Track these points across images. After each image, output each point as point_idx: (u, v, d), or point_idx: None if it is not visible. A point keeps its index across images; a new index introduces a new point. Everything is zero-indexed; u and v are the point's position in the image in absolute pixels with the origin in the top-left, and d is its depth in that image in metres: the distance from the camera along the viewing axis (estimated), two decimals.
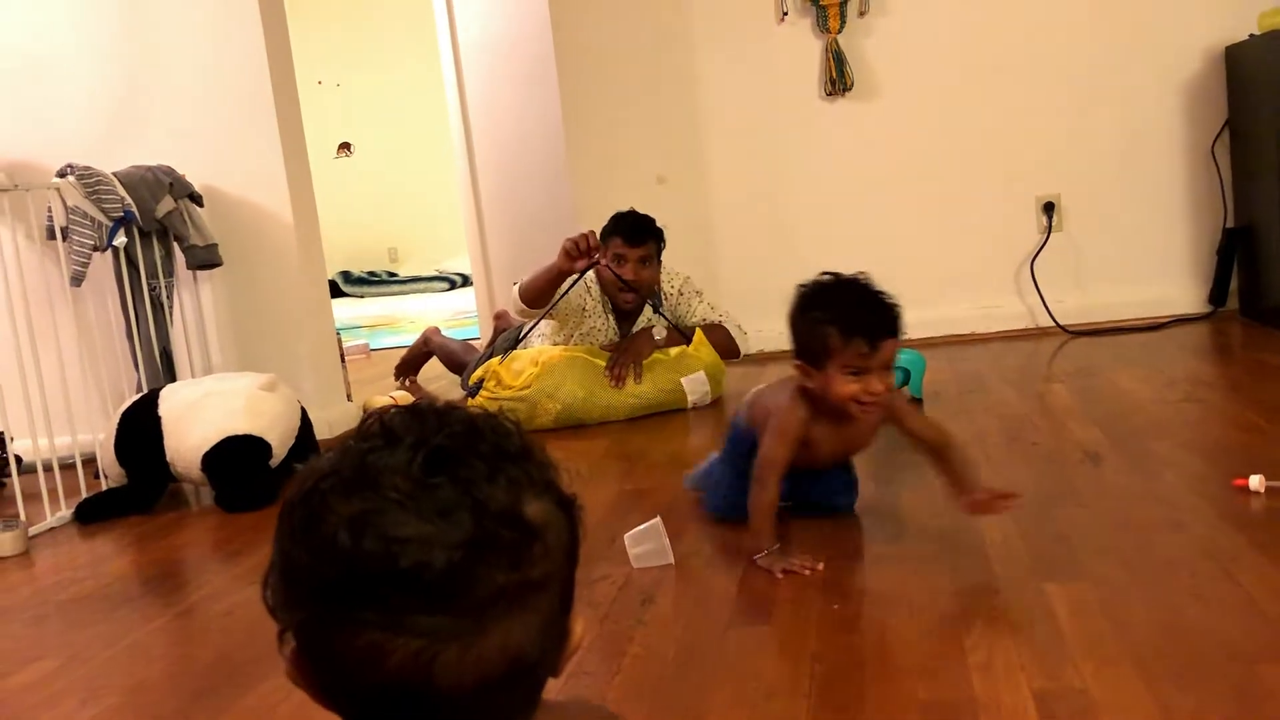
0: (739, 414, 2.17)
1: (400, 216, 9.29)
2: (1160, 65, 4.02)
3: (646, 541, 1.95)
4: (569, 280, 3.29)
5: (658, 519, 1.97)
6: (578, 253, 3.15)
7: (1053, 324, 4.09)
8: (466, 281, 8.31)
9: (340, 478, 0.61)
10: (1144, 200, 4.08)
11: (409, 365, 4.49)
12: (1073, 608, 1.58)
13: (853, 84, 4.16)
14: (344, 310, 6.96)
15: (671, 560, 1.94)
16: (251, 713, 1.53)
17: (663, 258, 3.47)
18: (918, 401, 3.09)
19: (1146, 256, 4.11)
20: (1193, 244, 4.09)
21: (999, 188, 4.16)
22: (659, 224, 3.42)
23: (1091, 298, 4.14)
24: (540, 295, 3.33)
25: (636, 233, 3.35)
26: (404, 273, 9.18)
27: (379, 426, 0.63)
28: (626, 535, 1.97)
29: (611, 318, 3.47)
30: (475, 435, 0.62)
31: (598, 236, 3.24)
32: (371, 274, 9.08)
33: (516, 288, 3.41)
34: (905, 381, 3.10)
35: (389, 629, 0.58)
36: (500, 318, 4.26)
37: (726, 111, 4.27)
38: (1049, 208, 4.13)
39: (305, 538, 0.61)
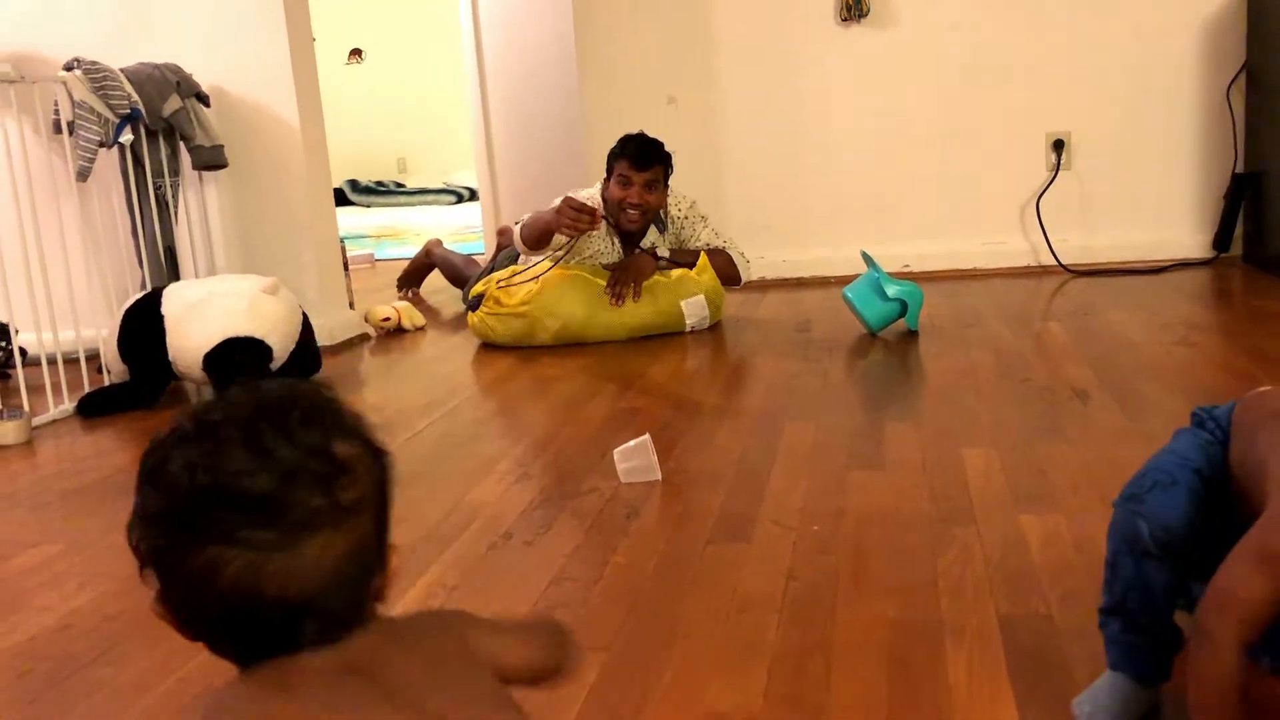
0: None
1: (410, 127, 9.21)
2: (1180, 3, 3.96)
3: (635, 458, 1.99)
4: (566, 239, 3.27)
5: (647, 436, 2.00)
6: (571, 221, 3.12)
7: (1055, 263, 4.09)
8: (474, 195, 8.28)
9: (183, 432, 0.72)
10: (1154, 141, 4.06)
11: (411, 277, 4.51)
12: (1045, 539, 1.62)
13: (869, 10, 4.11)
14: (350, 219, 6.95)
15: (659, 477, 1.98)
16: None
17: (670, 181, 3.46)
18: (913, 334, 3.12)
19: (1153, 199, 4.10)
20: (1200, 188, 4.07)
21: (1009, 123, 4.13)
22: (668, 148, 3.39)
23: (1095, 238, 4.13)
24: (537, 242, 3.32)
25: (644, 157, 3.33)
26: (412, 184, 9.13)
27: (218, 399, 0.76)
28: (616, 451, 2.01)
29: (616, 239, 3.47)
30: (295, 396, 0.75)
31: (602, 210, 3.21)
32: (379, 184, 9.04)
33: (518, 228, 3.40)
34: (903, 313, 3.12)
35: (223, 543, 0.69)
36: (503, 234, 4.26)
37: (740, 34, 4.23)
38: (1059, 145, 4.10)
39: (154, 481, 0.71)
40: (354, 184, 8.88)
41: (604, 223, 3.45)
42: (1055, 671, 1.25)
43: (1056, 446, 2.04)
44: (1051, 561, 1.54)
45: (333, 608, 0.73)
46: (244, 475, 0.69)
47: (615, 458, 2.01)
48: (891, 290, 3.09)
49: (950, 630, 1.36)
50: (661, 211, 3.49)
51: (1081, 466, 1.93)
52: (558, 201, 3.20)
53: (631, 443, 2.01)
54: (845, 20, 4.13)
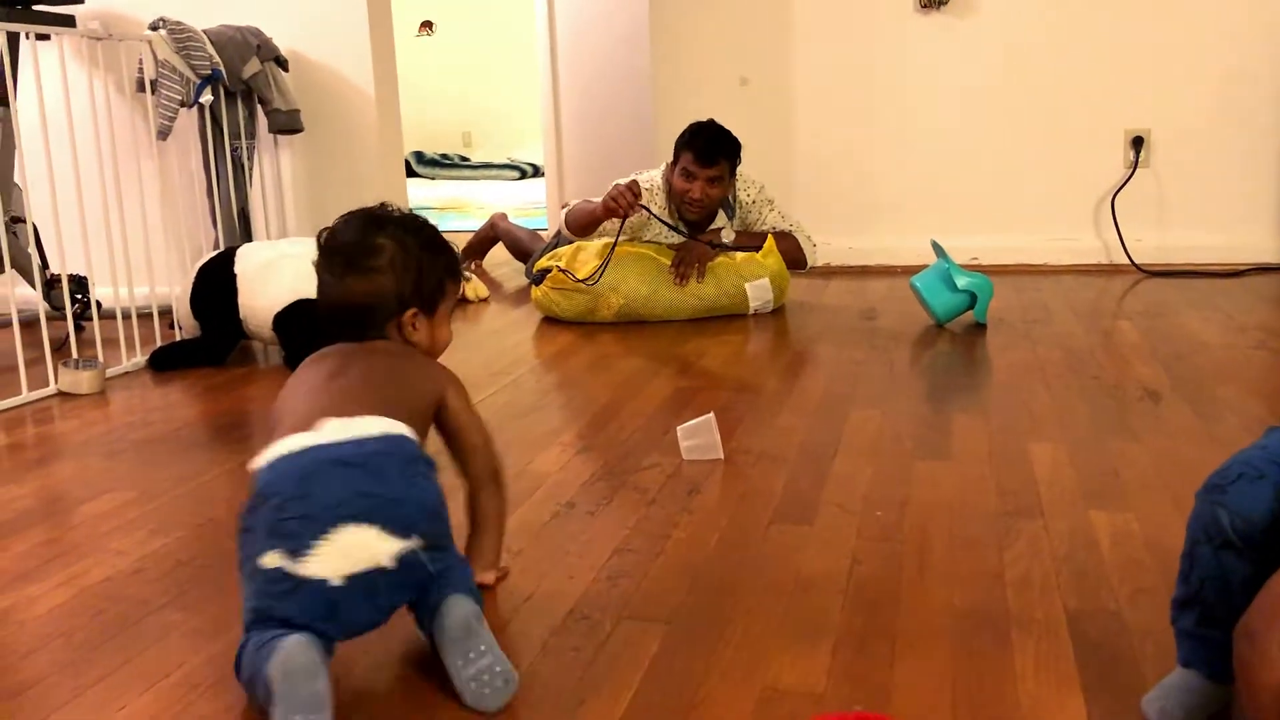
0: None
1: (476, 101, 9.25)
2: (1271, 3, 3.85)
3: (698, 435, 1.99)
4: (612, 222, 3.26)
5: (710, 415, 2.00)
6: (616, 207, 3.12)
7: (1127, 262, 4.02)
8: (538, 172, 8.30)
9: (341, 219, 1.48)
10: (1236, 142, 3.96)
11: (475, 249, 4.53)
12: (1115, 537, 1.59)
13: None
14: (415, 190, 7.00)
15: (721, 455, 1.98)
16: None
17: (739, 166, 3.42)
18: (981, 326, 3.08)
19: (1232, 200, 4.00)
20: None
21: (1088, 117, 4.05)
22: (738, 131, 3.35)
23: (1170, 238, 4.05)
24: (583, 229, 3.32)
25: (708, 153, 3.28)
26: (476, 158, 9.17)
27: (361, 209, 1.49)
28: (679, 428, 2.01)
29: (680, 225, 3.45)
30: (384, 212, 1.48)
31: (638, 185, 3.18)
32: (444, 156, 9.09)
33: (564, 212, 3.40)
34: (972, 305, 3.08)
35: (323, 273, 1.45)
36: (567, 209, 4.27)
37: (816, 16, 4.19)
38: (1138, 142, 4.02)
39: (318, 240, 1.47)
40: (419, 155, 8.94)
41: (665, 211, 3.41)
42: (1124, 667, 1.23)
43: (1127, 445, 2.01)
44: (1121, 559, 1.51)
45: (356, 318, 1.43)
46: (330, 246, 1.45)
47: (679, 434, 2.01)
48: (961, 282, 3.06)
49: (1016, 622, 1.34)
50: (730, 196, 3.47)
51: (1152, 466, 1.89)
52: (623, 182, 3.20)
53: (695, 420, 2.00)
54: (925, 6, 4.07)
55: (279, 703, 1.08)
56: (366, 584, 1.18)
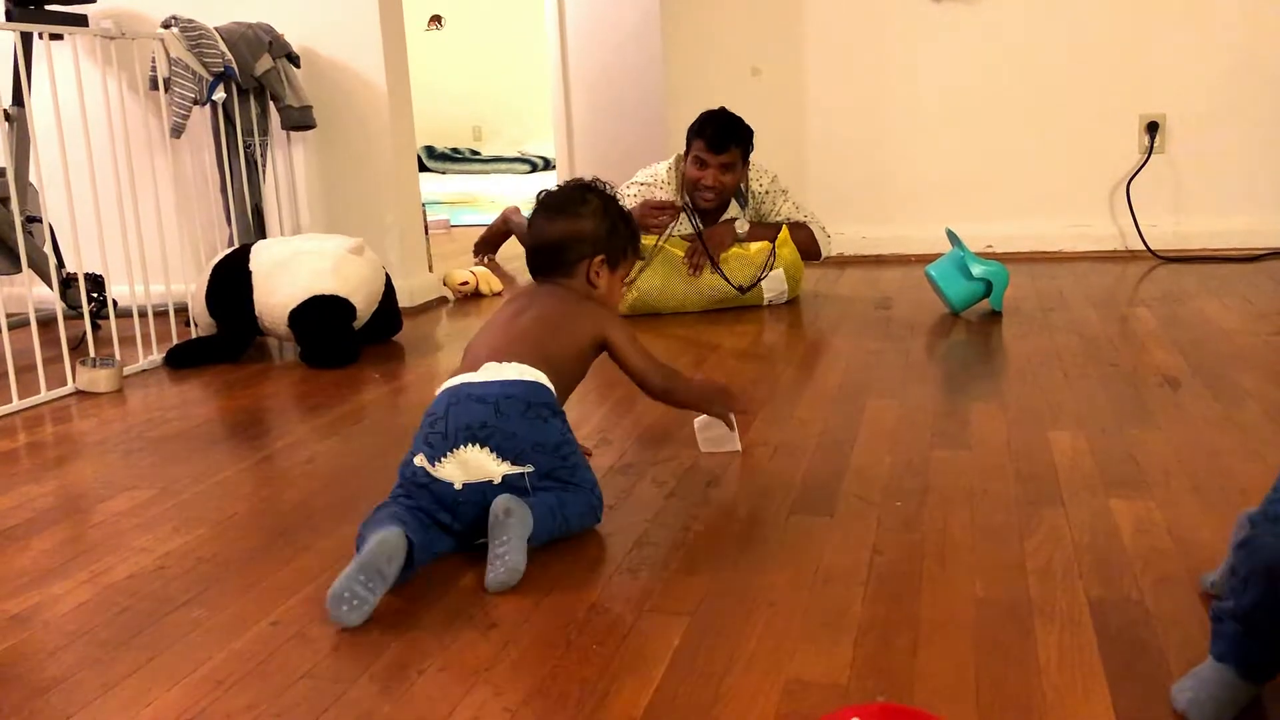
0: None
1: (486, 95, 9.25)
2: None
3: (715, 427, 1.98)
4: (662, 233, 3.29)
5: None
6: (654, 222, 3.20)
7: (1143, 248, 4.00)
8: (549, 165, 8.30)
9: (558, 184, 1.90)
10: (1251, 126, 3.93)
11: (488, 243, 4.53)
12: (1137, 524, 1.59)
13: None
14: (426, 185, 6.97)
15: (739, 448, 1.98)
16: (330, 554, 1.61)
17: (751, 156, 3.42)
18: (996, 315, 3.07)
19: (1248, 185, 3.97)
20: None
21: (1102, 103, 4.03)
22: (750, 121, 3.35)
23: (1187, 224, 4.03)
24: None
25: (721, 140, 3.28)
26: (487, 152, 9.18)
27: (577, 179, 1.90)
28: (696, 420, 2.01)
29: (694, 215, 3.45)
30: (591, 184, 1.86)
31: (676, 207, 3.24)
32: (455, 150, 9.10)
33: None
34: (987, 293, 3.07)
35: (537, 217, 1.84)
36: None
37: (828, 5, 4.17)
38: (1153, 127, 3.99)
39: (539, 197, 1.87)
40: (430, 150, 8.95)
41: (680, 200, 3.43)
42: (1149, 656, 1.22)
43: (1147, 432, 2.00)
44: (1144, 547, 1.51)
45: (551, 257, 1.81)
46: (547, 197, 1.85)
47: (696, 426, 2.01)
48: (977, 270, 3.04)
49: (1039, 611, 1.34)
50: (742, 185, 3.46)
51: (1174, 453, 1.88)
52: (628, 193, 3.23)
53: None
54: None
55: (358, 560, 1.38)
56: (479, 493, 1.53)
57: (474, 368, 1.63)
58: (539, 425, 1.57)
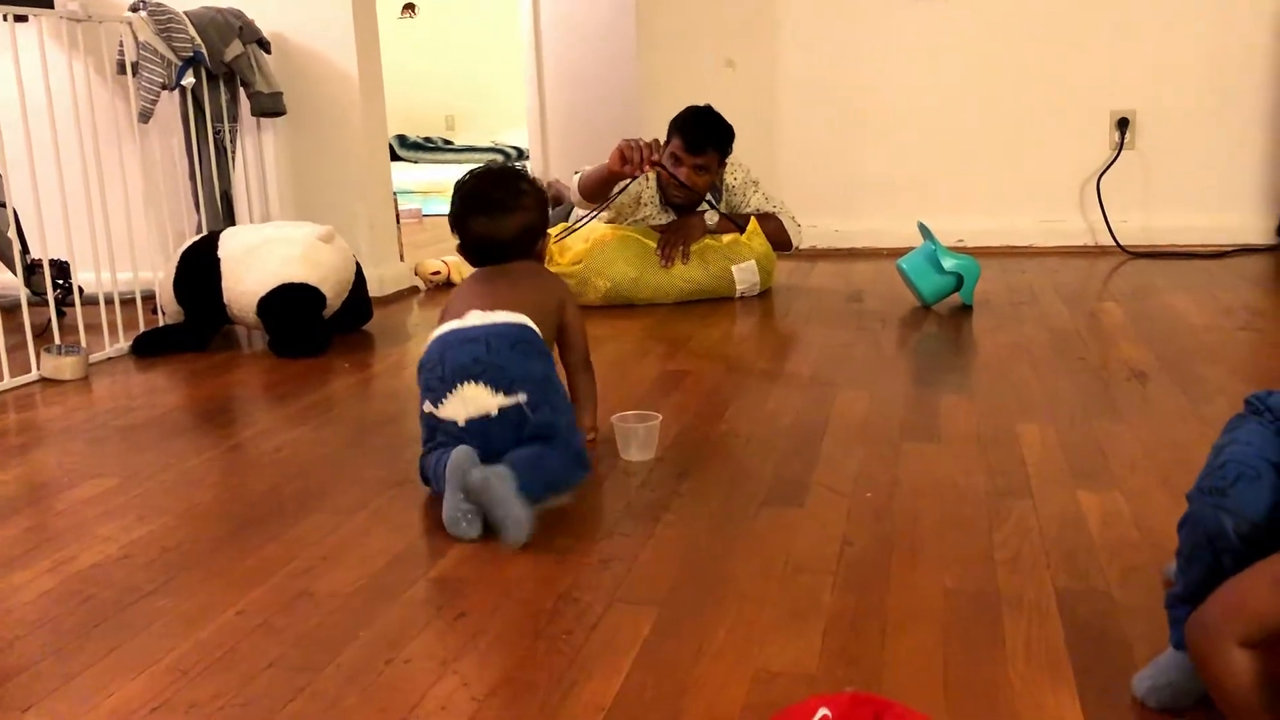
0: None
1: (459, 84, 9.18)
2: None
3: (627, 436, 1.90)
4: (621, 183, 3.24)
5: (658, 419, 1.93)
6: (628, 160, 3.03)
7: (1113, 243, 4.03)
8: (522, 155, 8.25)
9: (471, 173, 1.91)
10: (1222, 124, 3.97)
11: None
12: (1104, 517, 1.60)
13: None
14: (398, 174, 6.92)
15: (644, 459, 1.90)
16: (298, 543, 1.59)
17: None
18: (967, 308, 3.08)
19: (1218, 182, 4.01)
20: (1267, 172, 3.99)
21: (1072, 99, 4.05)
22: (725, 113, 3.32)
23: (1156, 220, 4.06)
24: (594, 193, 3.28)
25: (699, 141, 3.25)
26: (459, 141, 9.12)
27: (482, 168, 1.94)
28: (615, 419, 1.93)
29: (668, 210, 3.43)
30: (510, 170, 1.95)
31: (659, 144, 3.13)
32: (427, 140, 9.03)
33: (577, 178, 3.37)
34: (958, 287, 3.08)
35: (469, 216, 1.87)
36: (552, 186, 4.24)
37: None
38: (1123, 123, 4.03)
39: (458, 190, 1.88)
40: (402, 139, 8.88)
41: (655, 195, 3.41)
42: (1114, 647, 1.23)
43: (1114, 425, 2.02)
44: (1111, 539, 1.52)
45: (508, 248, 1.87)
46: (478, 193, 1.86)
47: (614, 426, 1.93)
48: (948, 263, 3.06)
49: (1007, 602, 1.34)
50: (716, 181, 3.45)
51: (1140, 446, 1.90)
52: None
53: (646, 424, 1.91)
54: None
55: (449, 487, 1.55)
56: (481, 428, 1.66)
57: (459, 316, 1.74)
58: (525, 360, 1.69)
